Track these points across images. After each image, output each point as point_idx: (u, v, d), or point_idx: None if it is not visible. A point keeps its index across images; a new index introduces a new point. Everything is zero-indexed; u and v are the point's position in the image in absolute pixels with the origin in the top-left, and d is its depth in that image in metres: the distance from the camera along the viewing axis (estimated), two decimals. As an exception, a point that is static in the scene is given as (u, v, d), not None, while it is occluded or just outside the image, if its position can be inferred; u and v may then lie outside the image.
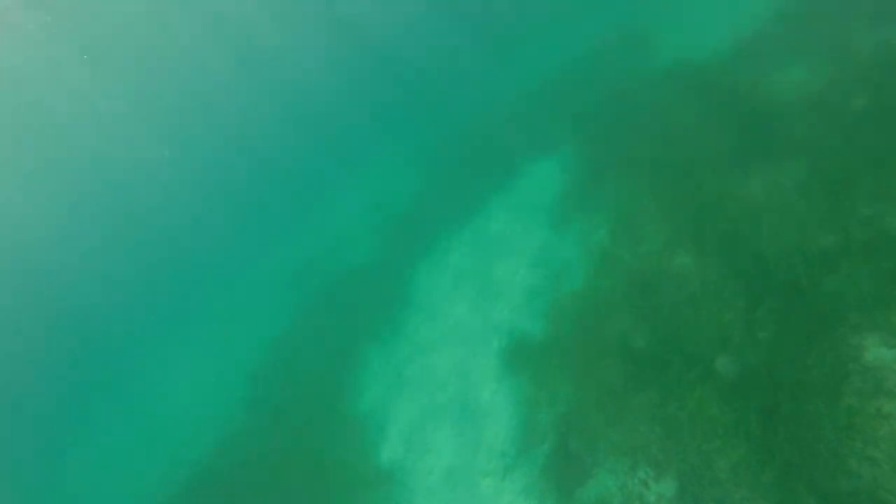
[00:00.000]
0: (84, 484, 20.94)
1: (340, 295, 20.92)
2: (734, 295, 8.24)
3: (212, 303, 27.57)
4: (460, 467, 9.98)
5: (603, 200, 13.54)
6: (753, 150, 10.66)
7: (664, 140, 13.26)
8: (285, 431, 15.55)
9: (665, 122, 13.83)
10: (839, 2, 12.71)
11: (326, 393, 16.12)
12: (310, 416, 15.53)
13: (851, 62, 10.79)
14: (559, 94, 20.79)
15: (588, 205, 13.92)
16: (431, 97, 30.37)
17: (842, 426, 5.67)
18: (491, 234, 16.86)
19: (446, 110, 28.32)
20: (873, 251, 7.11)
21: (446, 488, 9.78)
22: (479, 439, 10.29)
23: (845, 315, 6.71)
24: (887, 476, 5.21)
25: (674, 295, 9.36)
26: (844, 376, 6.09)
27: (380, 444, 12.46)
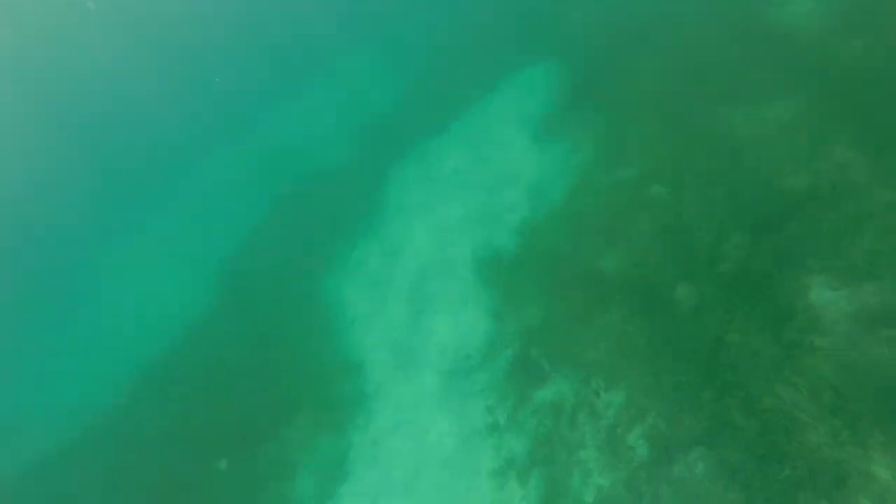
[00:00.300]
0: (51, 374, 21.42)
1: (315, 191, 20.63)
2: (703, 229, 8.65)
3: (182, 190, 26.72)
4: (427, 365, 10.73)
5: (588, 120, 13.39)
6: (745, 84, 10.58)
7: (656, 65, 12.93)
8: (258, 323, 16.03)
9: (660, 46, 13.39)
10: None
11: (299, 286, 16.48)
12: (282, 308, 15.99)
13: (859, -3, 10.48)
14: (535, 11, 19.54)
15: (573, 122, 13.76)
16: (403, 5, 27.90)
17: (778, 356, 6.35)
18: (471, 143, 16.61)
19: (433, 4, 26.26)
20: (838, 198, 7.50)
21: (412, 383, 10.58)
22: (447, 342, 10.96)
23: (802, 257, 7.21)
24: (804, 399, 5.97)
25: (646, 223, 9.72)
26: (790, 313, 6.70)
27: (350, 339, 13.10)
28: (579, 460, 7.02)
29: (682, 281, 8.23)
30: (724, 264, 7.92)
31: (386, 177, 18.46)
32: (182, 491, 11.86)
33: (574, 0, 18.50)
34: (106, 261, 25.37)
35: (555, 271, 10.53)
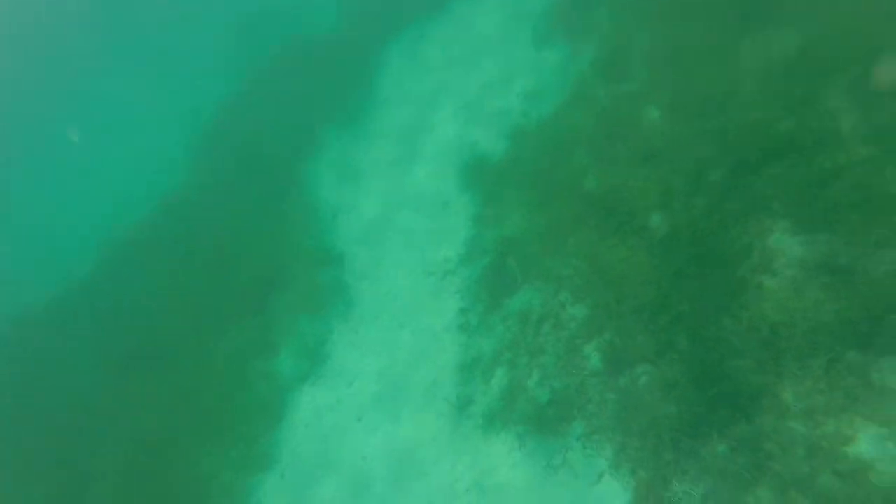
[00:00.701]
0: (23, 238, 21.20)
1: (298, 64, 19.51)
2: (686, 160, 8.87)
3: (153, 52, 24.67)
4: (406, 263, 11.27)
5: (593, 24, 12.72)
6: (758, 7, 10.13)
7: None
8: (235, 202, 16.06)
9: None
10: None
11: (280, 168, 16.34)
12: (262, 190, 15.96)
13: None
14: None
15: (577, 25, 13.06)
16: None
17: (729, 291, 7.03)
18: (469, 32, 15.67)
19: None
20: (819, 147, 7.74)
21: (392, 280, 11.19)
22: (427, 242, 11.42)
23: (771, 200, 7.63)
24: (743, 330, 6.76)
25: (635, 145, 9.85)
26: (748, 252, 7.28)
27: (332, 229, 13.42)
28: (539, 364, 7.92)
29: (658, 209, 8.63)
30: (700, 198, 8.30)
31: (375, 57, 17.52)
32: (162, 363, 12.75)
33: None
34: (76, 121, 24.05)
35: (538, 183, 10.76)
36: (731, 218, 7.79)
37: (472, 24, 15.70)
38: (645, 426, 6.57)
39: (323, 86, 17.75)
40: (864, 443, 5.27)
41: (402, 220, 12.25)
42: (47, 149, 23.77)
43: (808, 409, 5.74)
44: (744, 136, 8.54)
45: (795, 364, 6.11)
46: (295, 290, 12.32)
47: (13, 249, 20.46)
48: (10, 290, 18.43)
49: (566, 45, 12.85)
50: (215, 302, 13.57)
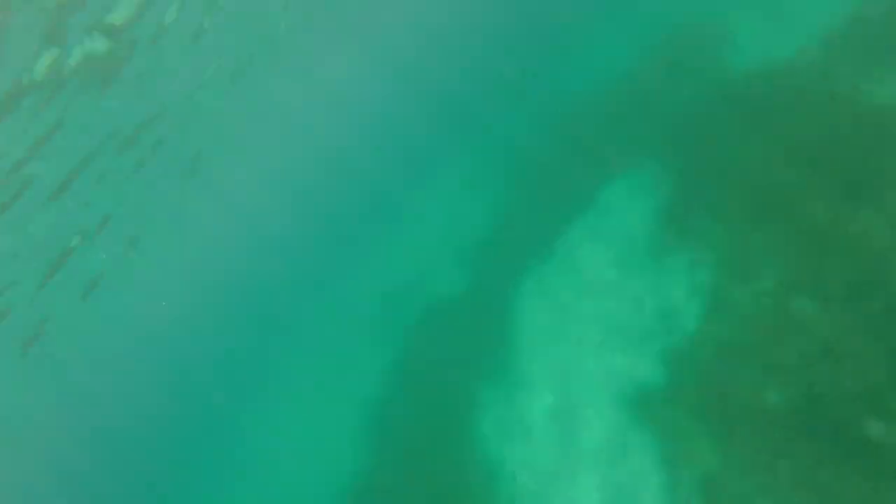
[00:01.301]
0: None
1: (436, 329, 21.75)
2: (873, 350, 8.15)
3: (300, 345, 29.40)
4: (606, 526, 10.50)
5: (702, 228, 13.41)
6: (863, 174, 10.28)
7: (758, 158, 12.91)
8: (417, 480, 16.68)
9: (755, 136, 13.43)
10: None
11: (448, 435, 17.06)
12: (438, 460, 16.56)
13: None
14: (627, 107, 20.43)
15: (686, 233, 13.81)
16: (489, 115, 30.51)
17: None
18: (582, 266, 17.04)
19: (507, 125, 28.31)
20: None
21: (596, 548, 10.35)
22: (617, 496, 10.74)
23: None
24: None
25: (801, 345, 9.32)
26: None
27: (514, 493, 13.18)
28: None
29: (870, 415, 7.68)
30: (915, 393, 7.35)
31: (502, 308, 19.13)
32: None
33: (662, 96, 19.13)
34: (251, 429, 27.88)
35: (714, 407, 10.20)
36: (969, 411, 6.70)
37: (581, 260, 17.19)
38: None
39: (469, 345, 19.47)
40: None
41: (585, 474, 11.84)
42: (208, 457, 27.10)
43: None
44: (926, 311, 7.86)
45: None
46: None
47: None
48: None
49: (682, 256, 13.46)
50: None
